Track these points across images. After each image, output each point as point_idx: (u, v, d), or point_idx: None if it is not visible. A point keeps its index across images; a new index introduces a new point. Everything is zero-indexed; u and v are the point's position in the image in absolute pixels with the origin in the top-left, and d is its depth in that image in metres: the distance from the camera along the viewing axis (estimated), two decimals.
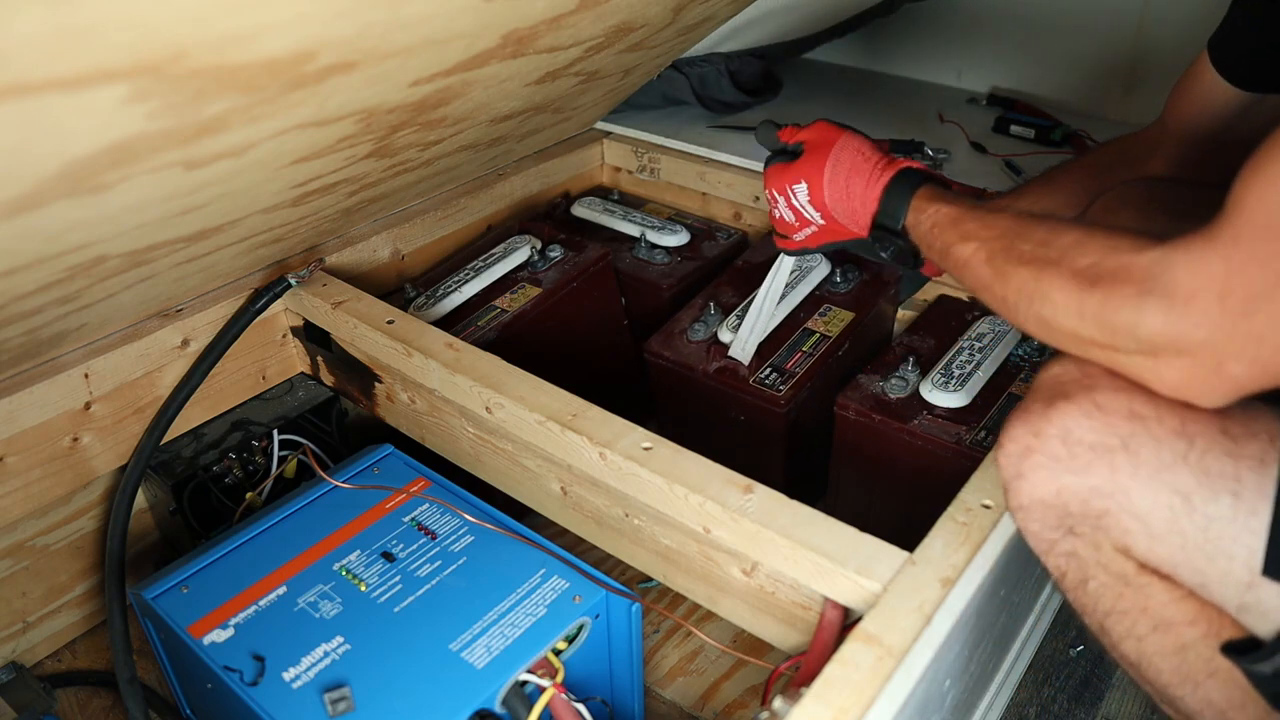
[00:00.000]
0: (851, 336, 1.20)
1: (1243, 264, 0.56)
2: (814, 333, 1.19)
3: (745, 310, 1.19)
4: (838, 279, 1.27)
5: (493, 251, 1.35)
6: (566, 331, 1.31)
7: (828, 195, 0.95)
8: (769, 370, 1.14)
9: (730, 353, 1.18)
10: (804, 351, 1.17)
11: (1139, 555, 0.68)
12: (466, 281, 1.28)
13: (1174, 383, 0.63)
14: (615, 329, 1.40)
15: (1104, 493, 0.67)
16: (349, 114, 0.84)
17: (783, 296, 1.20)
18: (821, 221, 0.98)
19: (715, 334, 1.22)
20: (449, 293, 1.26)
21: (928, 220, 0.84)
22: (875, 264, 1.28)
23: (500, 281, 1.31)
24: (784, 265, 1.13)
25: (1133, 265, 0.62)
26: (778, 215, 1.01)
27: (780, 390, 1.12)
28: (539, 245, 1.35)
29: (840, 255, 1.29)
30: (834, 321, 1.20)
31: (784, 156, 1.00)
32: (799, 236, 1.01)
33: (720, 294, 1.30)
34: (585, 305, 1.33)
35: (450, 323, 1.22)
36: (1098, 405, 0.67)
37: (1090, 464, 0.67)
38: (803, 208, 0.97)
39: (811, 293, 1.27)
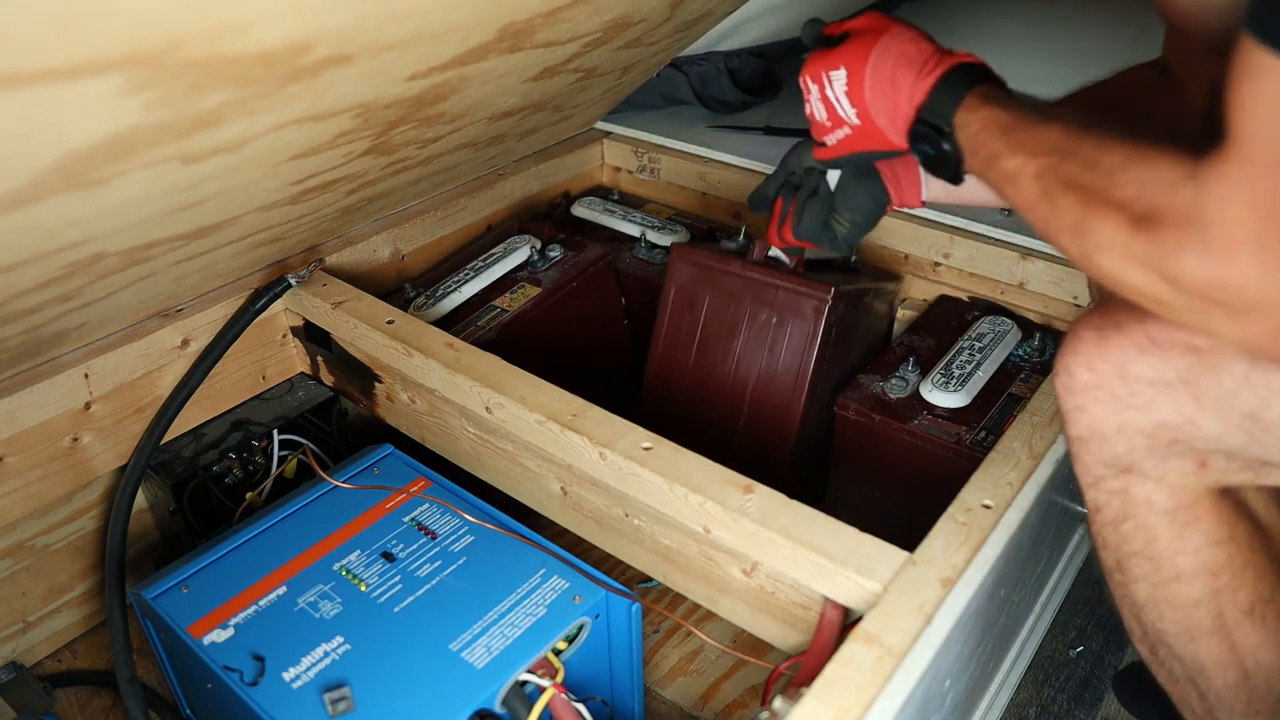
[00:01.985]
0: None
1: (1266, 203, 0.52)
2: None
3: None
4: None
5: (493, 251, 1.35)
6: (566, 331, 1.30)
7: (869, 86, 0.82)
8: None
9: (772, 253, 1.18)
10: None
11: (1214, 477, 0.68)
12: (466, 281, 1.28)
13: (1239, 343, 0.58)
14: (615, 329, 1.40)
15: (1170, 425, 0.66)
16: (346, 108, 0.84)
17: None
18: (856, 122, 0.85)
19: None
20: (449, 293, 1.26)
21: (977, 122, 0.74)
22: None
23: (500, 281, 1.31)
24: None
25: (1171, 204, 0.56)
26: (809, 110, 0.89)
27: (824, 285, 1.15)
28: (539, 245, 1.35)
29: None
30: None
31: (826, 45, 0.88)
32: (831, 139, 0.88)
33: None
34: (585, 305, 1.33)
35: (450, 323, 1.22)
36: (1152, 340, 0.65)
37: (1152, 401, 0.66)
38: (837, 100, 0.85)
39: None
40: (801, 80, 0.89)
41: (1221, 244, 0.54)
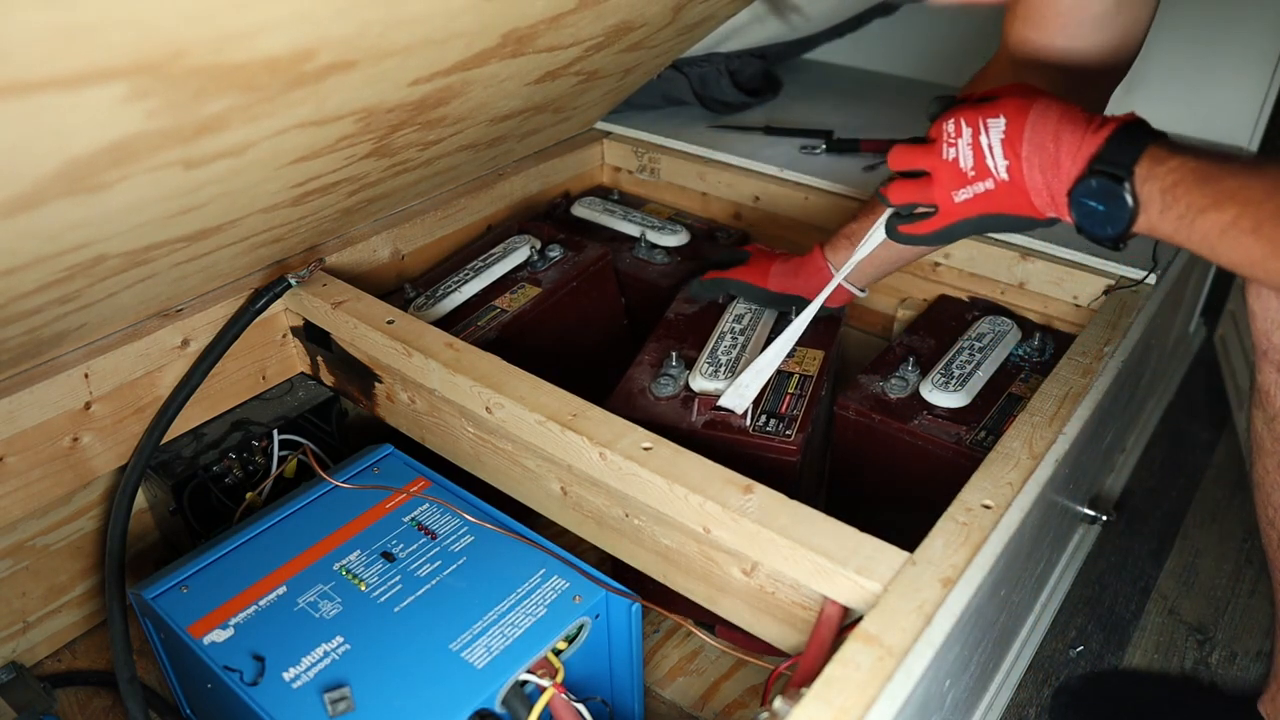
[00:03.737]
0: (828, 372, 1.15)
1: None
2: (793, 374, 1.13)
3: (715, 358, 1.12)
4: (793, 318, 1.16)
5: (492, 251, 1.35)
6: (566, 331, 1.31)
7: (1028, 137, 0.78)
8: (764, 417, 1.06)
9: (723, 403, 1.07)
10: (792, 394, 1.10)
11: None
12: (466, 281, 1.28)
13: None
14: (615, 329, 1.40)
15: None
16: (349, 113, 0.84)
17: (748, 344, 1.15)
18: (1004, 177, 0.80)
19: (688, 384, 1.11)
20: (449, 293, 1.26)
21: (1169, 174, 0.69)
22: (827, 311, 1.18)
23: (500, 281, 1.31)
24: (804, 316, 1.10)
25: None
26: (952, 155, 0.82)
27: (789, 436, 1.04)
28: (539, 245, 1.35)
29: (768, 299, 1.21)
30: (807, 360, 1.14)
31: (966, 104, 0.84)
32: (964, 194, 0.82)
33: (668, 347, 1.18)
34: (585, 305, 1.33)
35: (450, 323, 1.22)
36: None
37: None
38: (989, 149, 0.79)
39: (770, 337, 1.18)
40: (950, 124, 0.82)
41: None
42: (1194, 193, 0.67)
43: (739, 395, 1.06)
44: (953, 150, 0.82)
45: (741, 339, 1.15)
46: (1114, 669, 1.18)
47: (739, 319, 1.19)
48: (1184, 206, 0.68)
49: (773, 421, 1.06)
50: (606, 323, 1.38)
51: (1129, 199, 0.72)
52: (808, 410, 1.07)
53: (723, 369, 1.10)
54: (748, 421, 1.04)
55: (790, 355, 1.14)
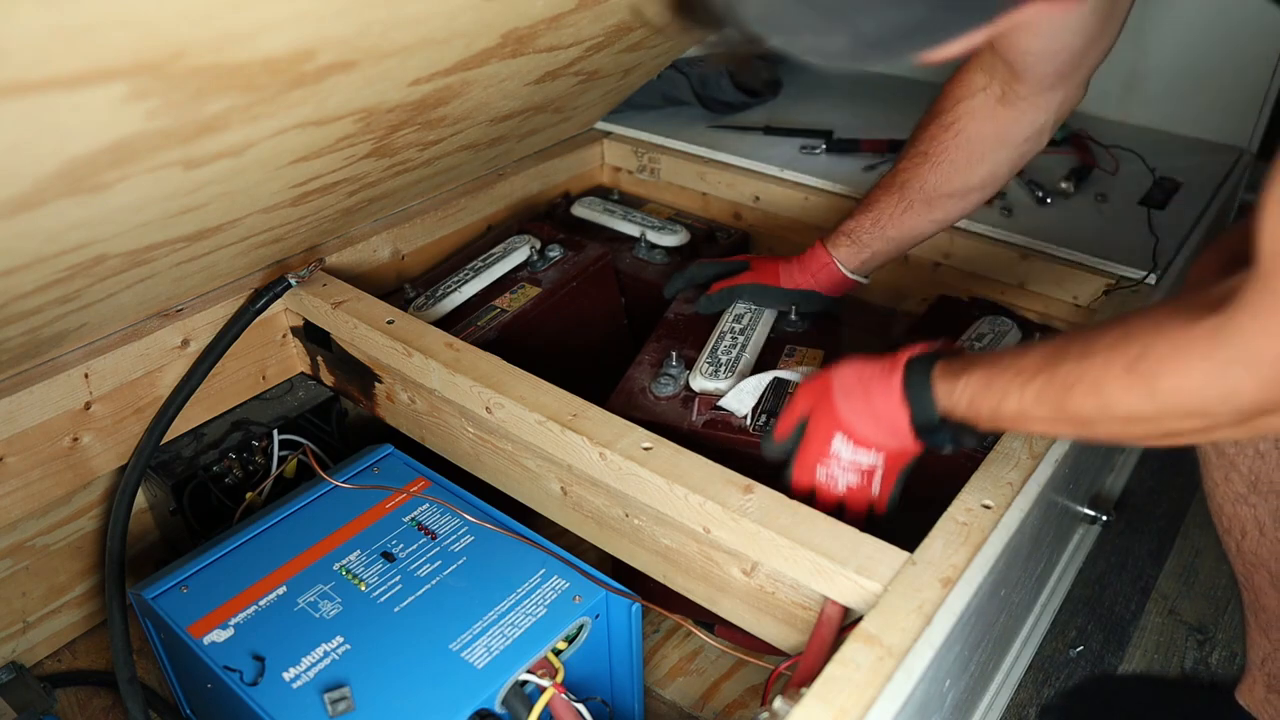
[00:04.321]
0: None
1: None
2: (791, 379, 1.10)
3: (715, 358, 1.12)
4: (793, 317, 1.19)
5: (492, 251, 1.35)
6: (566, 331, 1.31)
7: (859, 426, 0.84)
8: (764, 417, 1.04)
9: (724, 404, 1.06)
10: (792, 394, 1.03)
11: None
12: (466, 281, 1.28)
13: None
14: (615, 329, 1.40)
15: None
16: (349, 113, 0.84)
17: (747, 344, 1.15)
18: (881, 456, 0.86)
19: (688, 384, 1.10)
20: (449, 293, 1.26)
21: (961, 398, 0.77)
22: (824, 302, 1.19)
23: (500, 281, 1.31)
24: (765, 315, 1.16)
25: (1193, 338, 0.59)
26: (843, 488, 0.88)
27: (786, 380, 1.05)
28: (538, 245, 1.35)
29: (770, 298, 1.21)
30: (807, 360, 1.13)
31: (796, 442, 0.90)
32: (878, 490, 0.88)
33: (667, 347, 1.17)
34: (585, 305, 1.33)
35: (450, 323, 1.22)
36: None
37: None
38: (855, 460, 0.87)
39: (770, 337, 1.18)
40: (819, 475, 0.88)
41: (1270, 356, 0.56)
42: (984, 399, 0.75)
43: (740, 398, 1.06)
44: (839, 485, 0.88)
45: (741, 339, 1.15)
46: (1107, 674, 1.18)
47: (738, 319, 1.19)
48: (988, 412, 0.75)
49: (773, 421, 1.05)
50: (606, 323, 1.38)
51: (954, 437, 0.81)
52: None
53: (723, 369, 1.10)
54: (748, 421, 1.04)
55: (790, 355, 1.14)
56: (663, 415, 1.06)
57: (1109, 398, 0.65)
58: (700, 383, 1.09)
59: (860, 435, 0.85)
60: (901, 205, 1.06)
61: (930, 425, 0.80)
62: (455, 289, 1.27)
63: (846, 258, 1.13)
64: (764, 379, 1.06)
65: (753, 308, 1.21)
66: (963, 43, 0.50)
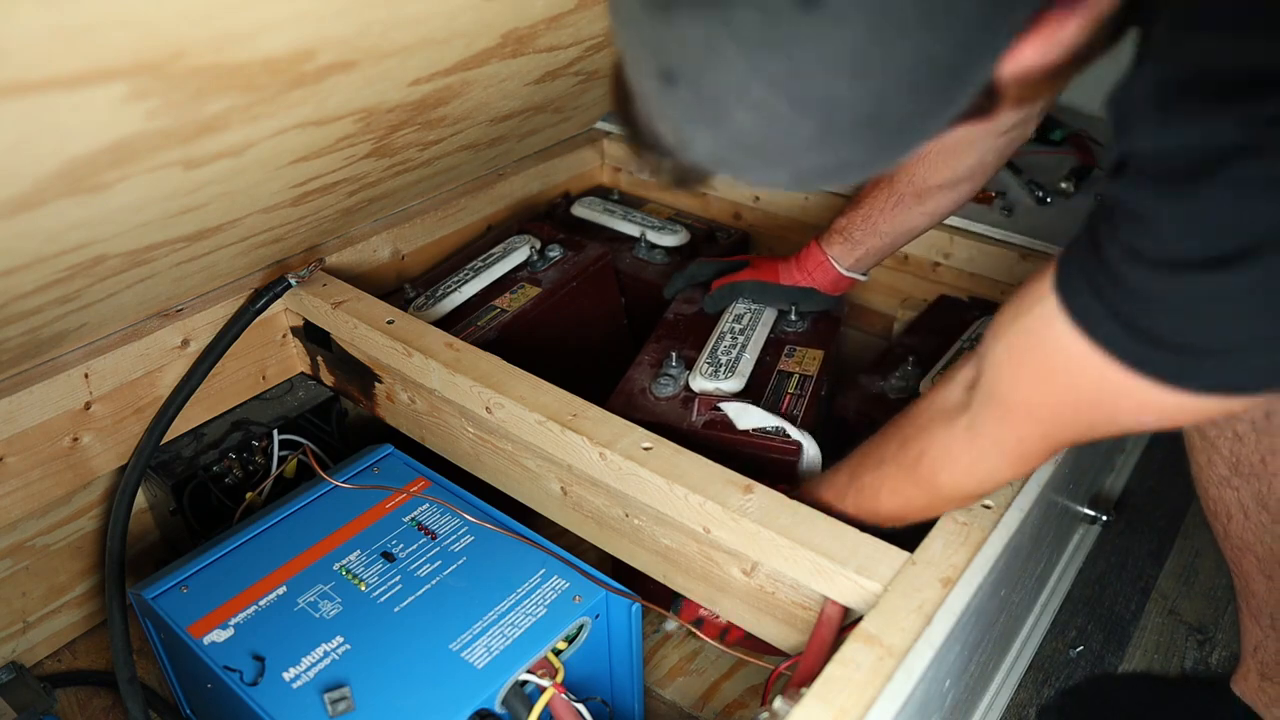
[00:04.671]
0: (827, 372, 1.14)
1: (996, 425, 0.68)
2: (792, 374, 1.13)
3: (715, 358, 1.12)
4: (792, 317, 1.20)
5: (492, 251, 1.35)
6: (566, 331, 1.31)
7: None
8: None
9: (724, 406, 1.06)
10: (791, 393, 1.10)
11: None
12: (466, 281, 1.28)
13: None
14: (615, 329, 1.40)
15: None
16: (349, 113, 0.84)
17: (747, 344, 1.15)
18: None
19: (688, 384, 1.10)
20: (449, 293, 1.26)
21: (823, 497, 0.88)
22: (825, 301, 1.21)
23: (500, 281, 1.31)
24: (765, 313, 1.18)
25: (954, 437, 0.72)
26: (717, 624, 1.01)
27: (790, 437, 1.02)
28: (538, 245, 1.35)
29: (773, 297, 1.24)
30: (807, 360, 1.14)
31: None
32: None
33: (667, 347, 1.17)
34: (585, 305, 1.33)
35: (450, 323, 1.22)
36: None
37: None
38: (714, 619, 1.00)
39: (770, 337, 1.19)
40: (704, 611, 1.00)
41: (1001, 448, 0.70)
42: (826, 494, 0.87)
43: (744, 416, 1.05)
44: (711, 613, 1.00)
45: (741, 339, 1.15)
46: (1106, 674, 1.18)
47: (738, 319, 1.19)
48: (839, 505, 0.85)
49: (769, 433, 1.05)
50: (606, 323, 1.38)
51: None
52: (808, 410, 1.07)
53: (723, 369, 1.10)
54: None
55: (790, 355, 1.14)
56: (663, 415, 1.06)
57: (906, 497, 0.79)
58: (700, 383, 1.09)
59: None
60: (892, 199, 1.07)
61: None
62: (455, 289, 1.27)
63: (841, 255, 1.14)
64: (770, 419, 1.04)
65: (753, 307, 1.21)
66: (894, 167, 0.54)
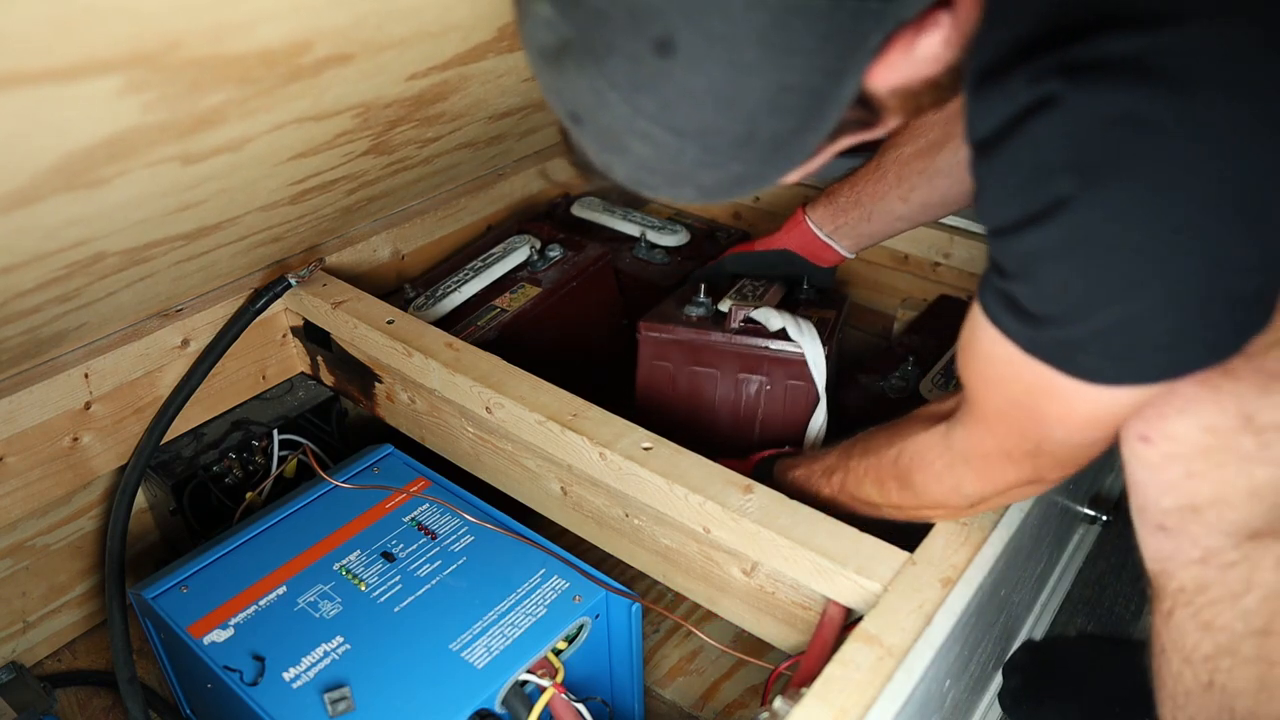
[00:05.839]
0: (836, 335, 1.17)
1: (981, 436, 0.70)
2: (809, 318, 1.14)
3: (741, 292, 1.19)
4: (801, 293, 1.23)
5: (492, 251, 1.35)
6: (566, 331, 1.30)
7: None
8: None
9: (755, 315, 1.12)
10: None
11: None
12: (466, 281, 1.28)
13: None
14: (615, 329, 1.40)
15: None
16: (346, 108, 0.83)
17: (760, 300, 1.19)
18: None
19: (717, 309, 1.15)
20: (449, 293, 1.26)
21: (791, 489, 0.89)
22: (804, 265, 1.24)
23: (500, 281, 1.30)
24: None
25: (931, 444, 0.75)
26: None
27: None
28: (538, 245, 1.35)
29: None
30: (824, 314, 1.19)
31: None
32: None
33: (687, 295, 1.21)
34: (585, 305, 1.33)
35: (450, 323, 1.22)
36: (1272, 375, 0.59)
37: None
38: None
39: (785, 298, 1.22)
40: None
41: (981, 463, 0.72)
42: (806, 490, 0.90)
43: (771, 317, 1.11)
44: None
45: (755, 301, 1.17)
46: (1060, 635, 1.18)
47: (749, 287, 1.21)
48: (809, 499, 0.85)
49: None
50: (606, 323, 1.38)
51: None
52: (828, 339, 1.11)
53: (749, 300, 1.15)
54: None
55: (805, 318, 1.15)
56: (699, 325, 1.12)
57: (885, 488, 0.80)
58: (728, 305, 1.14)
59: None
60: (878, 172, 1.10)
61: None
62: (455, 289, 1.26)
63: (822, 219, 1.17)
64: (797, 320, 1.10)
65: (757, 283, 1.22)
66: (791, 179, 0.58)
